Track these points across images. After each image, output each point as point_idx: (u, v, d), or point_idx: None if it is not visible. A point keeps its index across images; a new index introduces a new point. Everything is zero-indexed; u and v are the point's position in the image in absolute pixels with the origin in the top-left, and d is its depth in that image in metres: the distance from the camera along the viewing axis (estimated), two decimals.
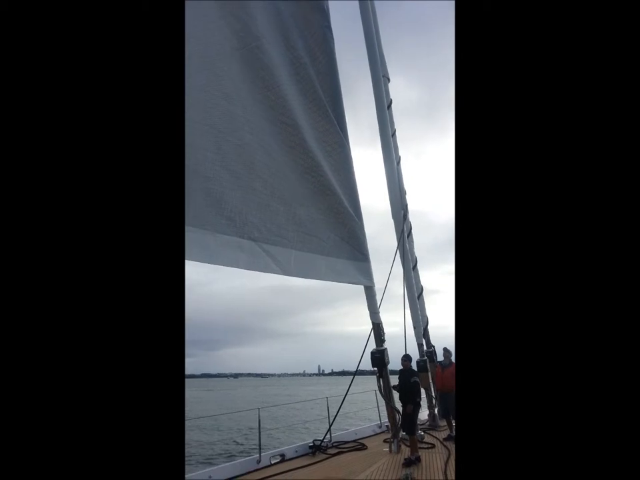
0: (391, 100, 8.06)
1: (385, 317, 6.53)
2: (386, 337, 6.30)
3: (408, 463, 5.19)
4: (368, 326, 6.36)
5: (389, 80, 8.27)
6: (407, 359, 5.94)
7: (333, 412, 6.53)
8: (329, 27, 6.04)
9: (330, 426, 6.42)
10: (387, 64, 8.49)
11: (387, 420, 6.53)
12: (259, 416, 6.10)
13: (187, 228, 3.90)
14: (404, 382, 5.72)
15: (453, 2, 1.70)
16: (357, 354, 6.28)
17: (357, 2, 7.80)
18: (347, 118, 6.16)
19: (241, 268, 4.57)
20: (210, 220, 4.10)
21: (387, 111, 7.74)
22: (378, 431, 7.43)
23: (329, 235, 5.73)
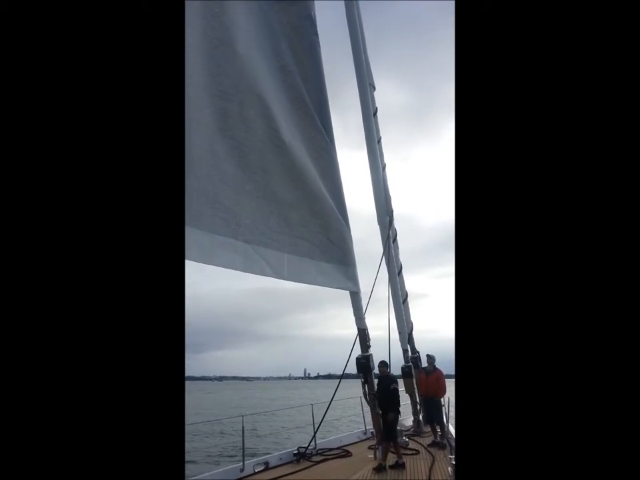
0: (377, 108, 8.13)
1: (371, 321, 6.56)
2: (371, 342, 6.32)
3: (379, 469, 5.21)
4: (354, 329, 6.36)
5: (374, 88, 8.34)
6: (383, 365, 5.95)
7: (317, 418, 6.51)
8: (315, 34, 6.07)
9: (315, 433, 6.40)
10: (374, 67, 8.57)
11: (372, 426, 6.54)
12: (243, 423, 6.04)
13: (192, 230, 3.85)
14: (383, 389, 5.74)
15: (446, 3, 1.71)
16: (343, 357, 6.28)
17: (344, 10, 7.84)
18: (335, 120, 6.21)
19: (237, 270, 4.54)
20: (205, 219, 4.06)
21: (373, 119, 7.80)
22: (363, 437, 7.43)
23: (320, 239, 5.74)
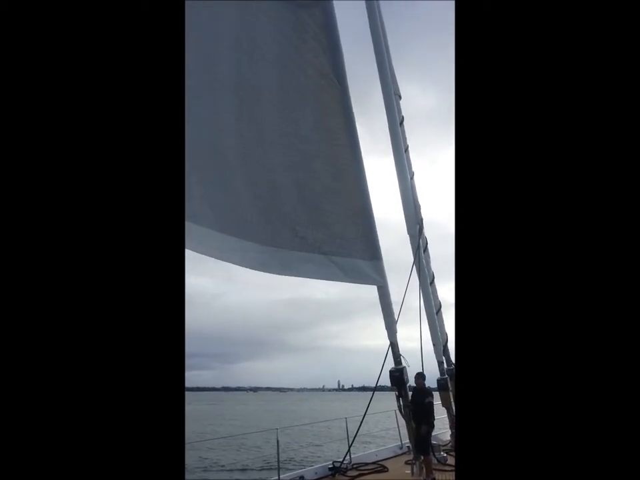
0: (403, 117, 8.09)
1: (404, 332, 6.44)
2: (406, 353, 6.21)
3: None
4: (386, 340, 6.26)
5: (400, 97, 8.31)
6: (420, 377, 5.83)
7: (351, 432, 6.42)
8: (338, 39, 6.18)
9: (349, 447, 6.31)
10: (399, 68, 8.52)
11: (408, 441, 6.38)
12: (277, 436, 6.05)
13: (269, 248, 5.05)
14: (418, 402, 5.62)
15: (454, 2, 1.70)
16: (377, 369, 6.18)
17: (365, 12, 7.87)
18: (362, 127, 6.49)
19: (314, 278, 5.70)
20: (286, 240, 5.27)
21: (400, 128, 7.77)
22: (399, 452, 7.26)
23: (366, 240, 6.34)
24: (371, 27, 7.68)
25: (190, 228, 4.45)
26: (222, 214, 4.79)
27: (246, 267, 5.17)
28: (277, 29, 5.65)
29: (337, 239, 5.84)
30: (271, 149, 5.44)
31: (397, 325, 6.28)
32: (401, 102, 8.34)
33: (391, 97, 7.66)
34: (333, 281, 6.01)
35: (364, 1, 7.79)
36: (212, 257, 4.94)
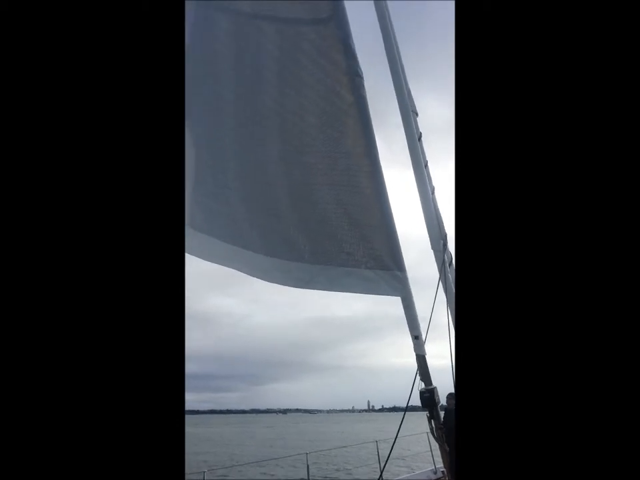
0: (421, 133, 8.11)
1: (433, 349, 6.29)
2: (436, 372, 6.07)
3: None
4: (414, 358, 6.13)
5: (417, 114, 8.34)
6: (452, 397, 5.65)
7: (383, 455, 6.25)
8: (354, 55, 6.31)
9: (381, 472, 6.13)
10: (416, 77, 8.50)
11: (442, 465, 6.14)
12: (307, 461, 5.96)
13: (315, 267, 5.08)
14: (450, 423, 5.43)
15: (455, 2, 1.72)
16: (407, 388, 6.06)
17: (381, 38, 7.99)
18: (381, 140, 6.53)
19: (361, 293, 5.59)
20: (333, 257, 5.31)
21: (418, 144, 7.78)
22: (433, 477, 6.98)
23: (398, 256, 6.51)
24: (385, 47, 7.80)
25: (236, 252, 4.78)
26: (268, 237, 5.11)
27: (293, 287, 5.34)
28: (316, 49, 5.82)
29: (379, 252, 5.92)
30: (316, 171, 5.59)
31: (426, 342, 6.15)
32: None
33: (409, 114, 7.69)
34: (378, 294, 6.05)
35: (376, 18, 7.96)
36: (259, 278, 5.24)
